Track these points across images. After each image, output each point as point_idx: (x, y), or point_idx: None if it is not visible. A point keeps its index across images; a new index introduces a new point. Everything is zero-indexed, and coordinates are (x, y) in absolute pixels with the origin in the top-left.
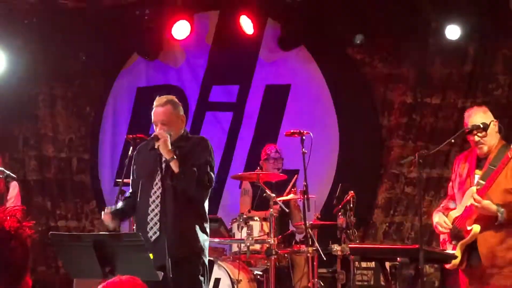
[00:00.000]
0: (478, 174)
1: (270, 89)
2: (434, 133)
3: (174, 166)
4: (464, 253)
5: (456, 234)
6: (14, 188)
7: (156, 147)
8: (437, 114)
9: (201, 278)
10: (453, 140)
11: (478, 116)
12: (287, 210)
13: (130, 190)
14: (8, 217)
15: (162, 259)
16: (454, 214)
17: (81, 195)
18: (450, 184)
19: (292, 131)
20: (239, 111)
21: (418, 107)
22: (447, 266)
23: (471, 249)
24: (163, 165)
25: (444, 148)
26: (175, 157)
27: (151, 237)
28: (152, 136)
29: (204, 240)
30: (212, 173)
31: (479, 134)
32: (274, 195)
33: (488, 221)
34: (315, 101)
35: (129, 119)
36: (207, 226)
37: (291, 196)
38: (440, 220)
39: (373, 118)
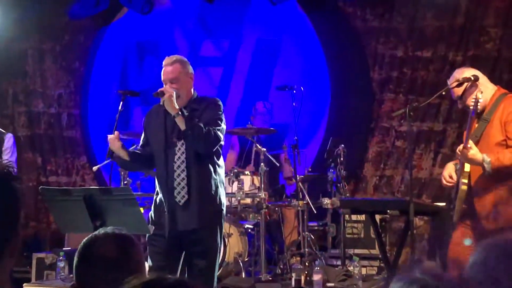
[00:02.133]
0: None
1: (261, 43)
2: (425, 87)
3: (180, 123)
4: (462, 209)
5: (457, 189)
6: (9, 139)
7: (161, 103)
8: (428, 68)
9: (220, 239)
10: (443, 93)
11: (457, 74)
12: (277, 164)
13: (140, 144)
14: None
15: (190, 223)
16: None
17: (72, 150)
18: None
19: (283, 85)
20: (229, 65)
21: (409, 60)
22: (454, 219)
23: (469, 205)
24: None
25: (435, 101)
26: (180, 113)
27: (179, 201)
28: (157, 91)
29: (223, 195)
30: (219, 132)
31: (459, 101)
32: (264, 149)
33: (480, 176)
34: (306, 55)
35: (119, 74)
36: (223, 178)
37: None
38: (445, 172)
39: (364, 71)
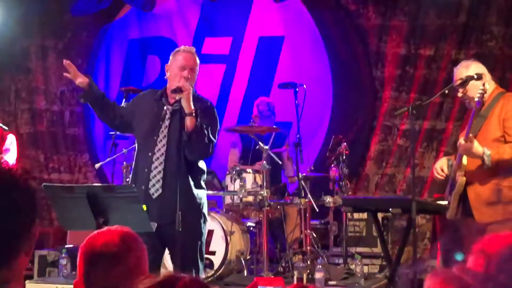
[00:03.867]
0: None
1: (263, 41)
2: (427, 85)
3: (190, 122)
4: (458, 204)
5: (451, 184)
6: (10, 139)
7: (177, 98)
8: (430, 66)
9: (203, 231)
10: (446, 91)
11: (462, 70)
12: (280, 162)
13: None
14: (16, 169)
15: (164, 216)
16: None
17: (74, 148)
18: None
19: (285, 83)
20: (232, 63)
21: (411, 58)
22: (447, 216)
23: (464, 200)
24: (168, 119)
25: (437, 99)
26: (193, 114)
27: (153, 194)
28: (175, 87)
29: (202, 194)
30: (213, 146)
31: (460, 90)
32: (267, 147)
33: (477, 170)
34: (309, 53)
35: (121, 71)
36: (203, 180)
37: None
38: (437, 165)
39: (366, 69)
